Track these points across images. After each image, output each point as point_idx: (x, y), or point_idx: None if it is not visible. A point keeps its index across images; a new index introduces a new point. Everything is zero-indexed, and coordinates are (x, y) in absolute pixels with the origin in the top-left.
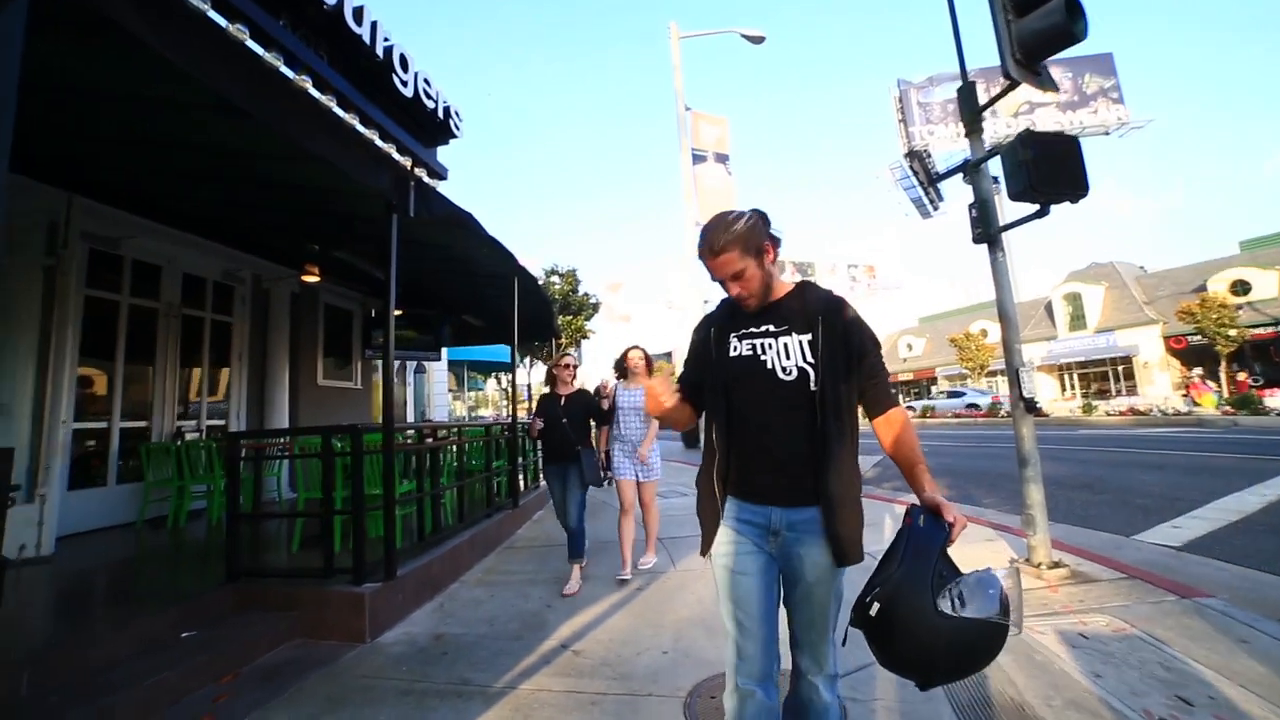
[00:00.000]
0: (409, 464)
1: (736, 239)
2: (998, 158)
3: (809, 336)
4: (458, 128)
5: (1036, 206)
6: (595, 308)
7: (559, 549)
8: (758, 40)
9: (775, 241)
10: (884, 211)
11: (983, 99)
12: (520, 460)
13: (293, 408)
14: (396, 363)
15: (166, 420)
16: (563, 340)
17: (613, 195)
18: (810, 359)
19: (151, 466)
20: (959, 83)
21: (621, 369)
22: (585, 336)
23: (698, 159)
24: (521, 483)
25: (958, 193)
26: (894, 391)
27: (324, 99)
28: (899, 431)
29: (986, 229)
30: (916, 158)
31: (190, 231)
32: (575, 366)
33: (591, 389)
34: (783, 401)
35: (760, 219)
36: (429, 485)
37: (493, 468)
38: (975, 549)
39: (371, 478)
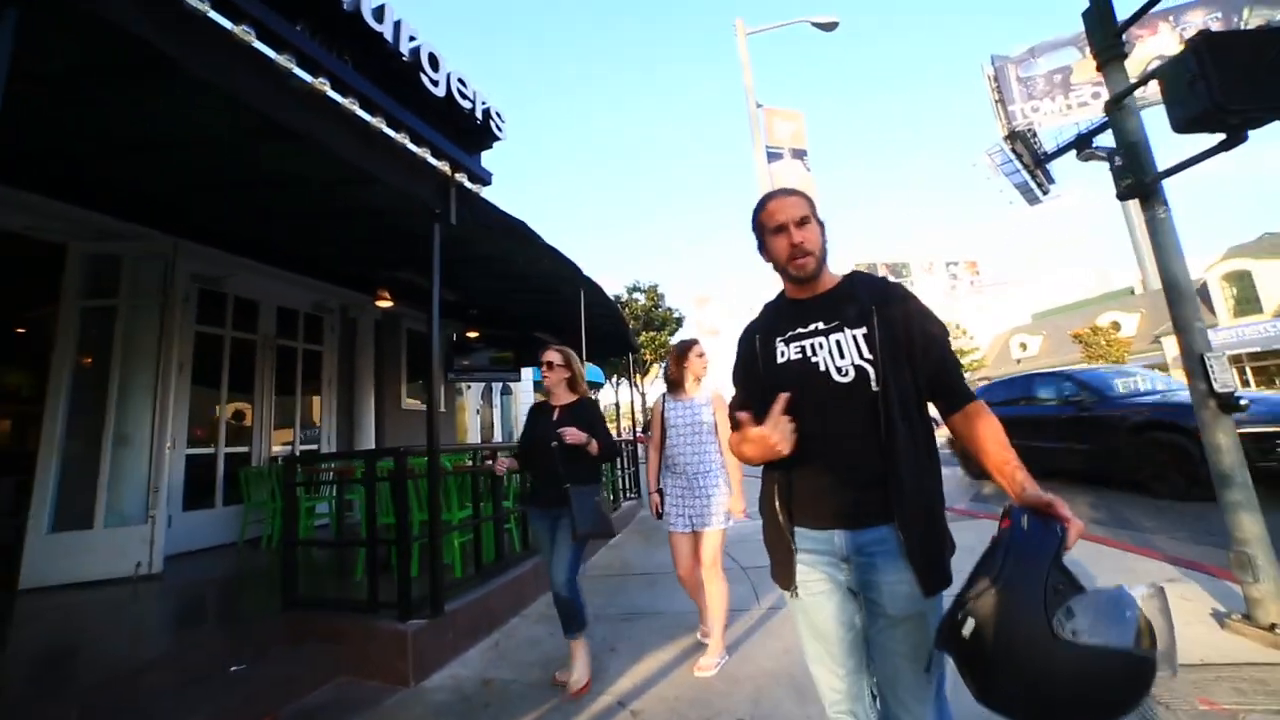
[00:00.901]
0: (467, 488)
1: (805, 195)
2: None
3: (863, 330)
4: (499, 129)
5: (1219, 137)
6: (679, 322)
7: (635, 578)
8: (829, 27)
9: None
10: (984, 203)
11: (1089, 73)
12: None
13: (379, 431)
14: (481, 384)
15: (264, 445)
16: (646, 356)
17: (699, 207)
18: (868, 354)
19: (250, 489)
20: (1064, 50)
21: (673, 377)
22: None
23: (773, 156)
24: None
25: (1069, 172)
26: (961, 374)
27: (345, 101)
28: (981, 425)
29: (1140, 177)
30: (1019, 139)
31: (283, 267)
32: (562, 365)
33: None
34: (840, 406)
35: None
36: (489, 510)
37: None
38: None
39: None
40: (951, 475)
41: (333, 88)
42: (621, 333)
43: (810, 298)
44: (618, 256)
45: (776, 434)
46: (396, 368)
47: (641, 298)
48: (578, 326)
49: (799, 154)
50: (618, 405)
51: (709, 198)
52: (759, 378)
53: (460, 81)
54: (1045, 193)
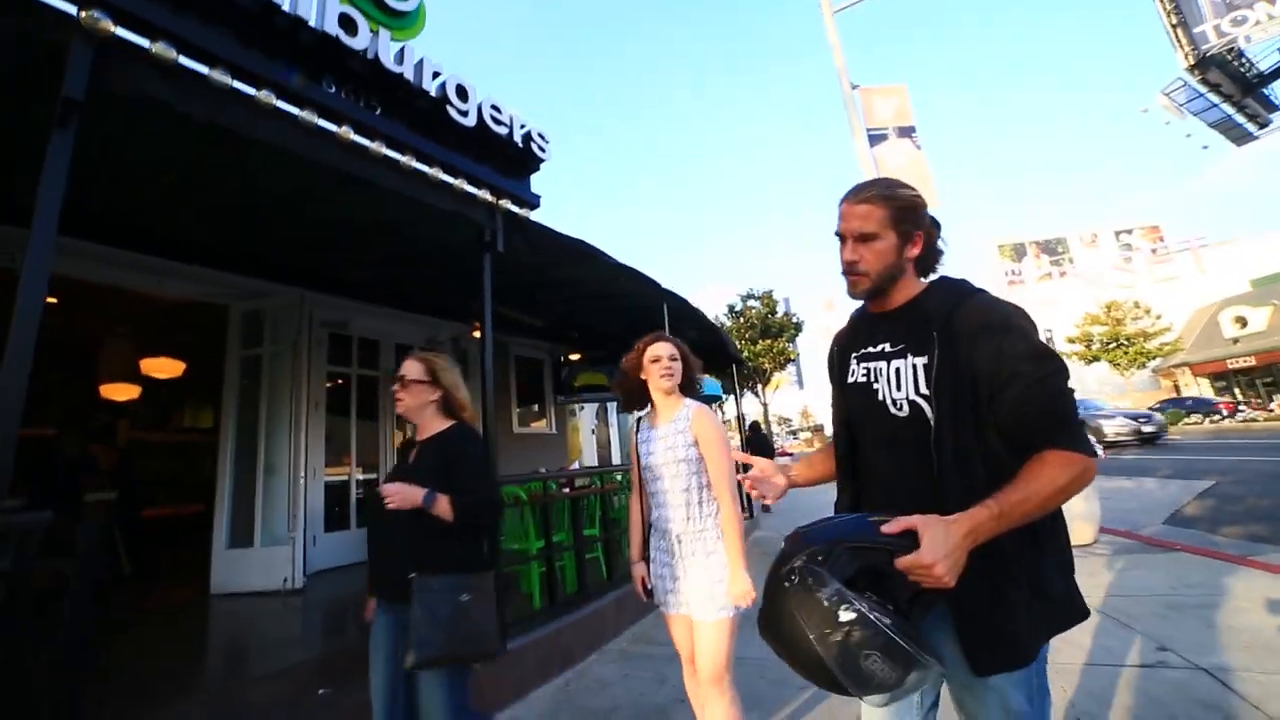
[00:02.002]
0: (562, 515)
1: (889, 198)
2: None
3: (925, 358)
4: (543, 150)
5: None
6: (799, 328)
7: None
8: None
9: (933, 241)
10: (1162, 156)
11: None
12: None
13: (493, 456)
14: (595, 404)
15: (389, 471)
16: (765, 365)
17: (816, 206)
18: (924, 389)
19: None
20: None
21: (625, 386)
22: (790, 359)
23: (876, 139)
24: None
25: None
26: (1079, 427)
27: (373, 145)
28: (1045, 463)
29: None
30: (1213, 64)
31: (395, 307)
32: (422, 379)
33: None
34: (896, 444)
35: (925, 204)
36: (568, 539)
37: None
38: None
39: (517, 532)
40: (1139, 491)
41: (357, 133)
42: (720, 344)
43: (883, 313)
44: (739, 265)
45: (772, 478)
46: (506, 393)
47: (757, 305)
48: (688, 345)
49: (906, 131)
50: (740, 418)
51: (824, 195)
52: (835, 396)
53: (494, 108)
54: (1264, 124)
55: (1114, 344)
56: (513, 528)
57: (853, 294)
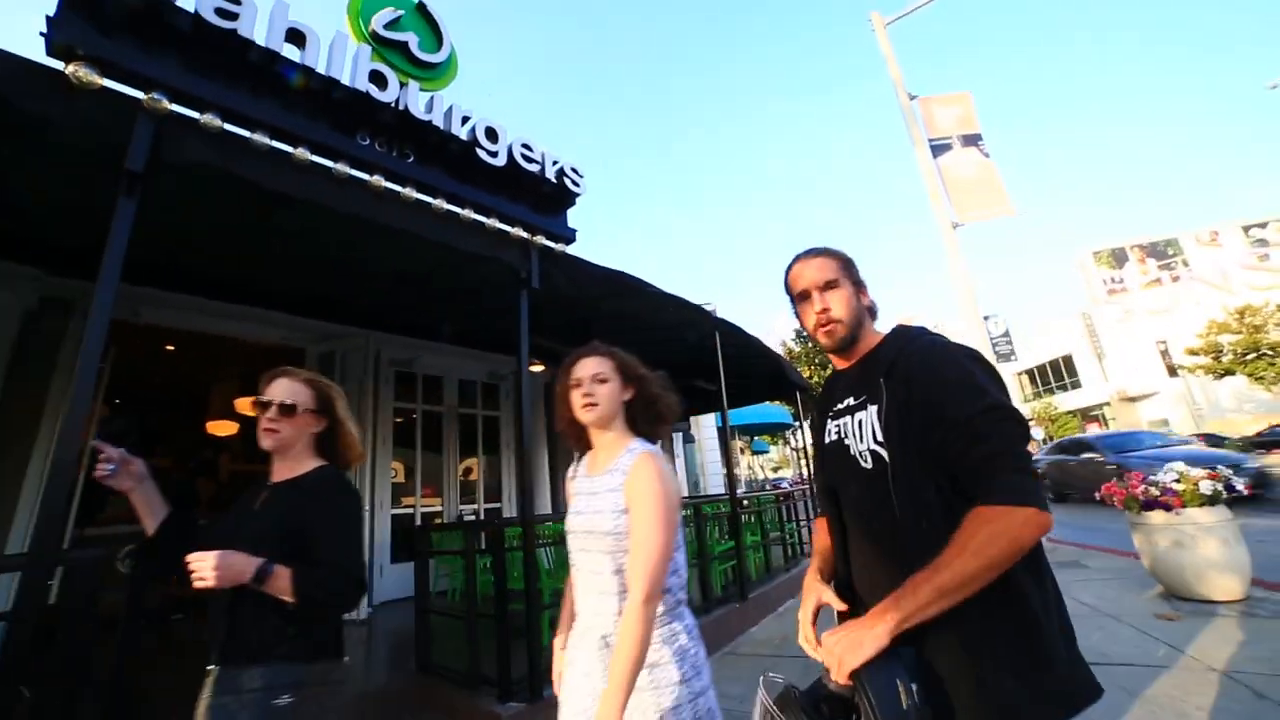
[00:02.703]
0: None
1: (834, 252)
2: None
3: (877, 406)
4: (577, 184)
5: None
6: None
7: (789, 660)
8: None
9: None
10: None
11: None
12: (759, 538)
13: (554, 488)
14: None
15: (452, 504)
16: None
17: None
18: (881, 437)
19: (440, 545)
20: None
21: (564, 422)
22: None
23: (939, 149)
24: (768, 563)
25: None
26: (1023, 470)
27: (405, 191)
28: (968, 526)
29: None
30: None
31: (456, 344)
32: (294, 409)
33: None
34: (868, 499)
35: None
36: None
37: (707, 553)
38: None
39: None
40: None
41: (389, 180)
42: (779, 371)
43: (849, 367)
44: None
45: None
46: None
47: None
48: (731, 372)
49: (971, 140)
50: (806, 449)
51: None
52: (815, 458)
53: (525, 147)
54: None
55: (1253, 354)
56: (545, 568)
57: (830, 345)
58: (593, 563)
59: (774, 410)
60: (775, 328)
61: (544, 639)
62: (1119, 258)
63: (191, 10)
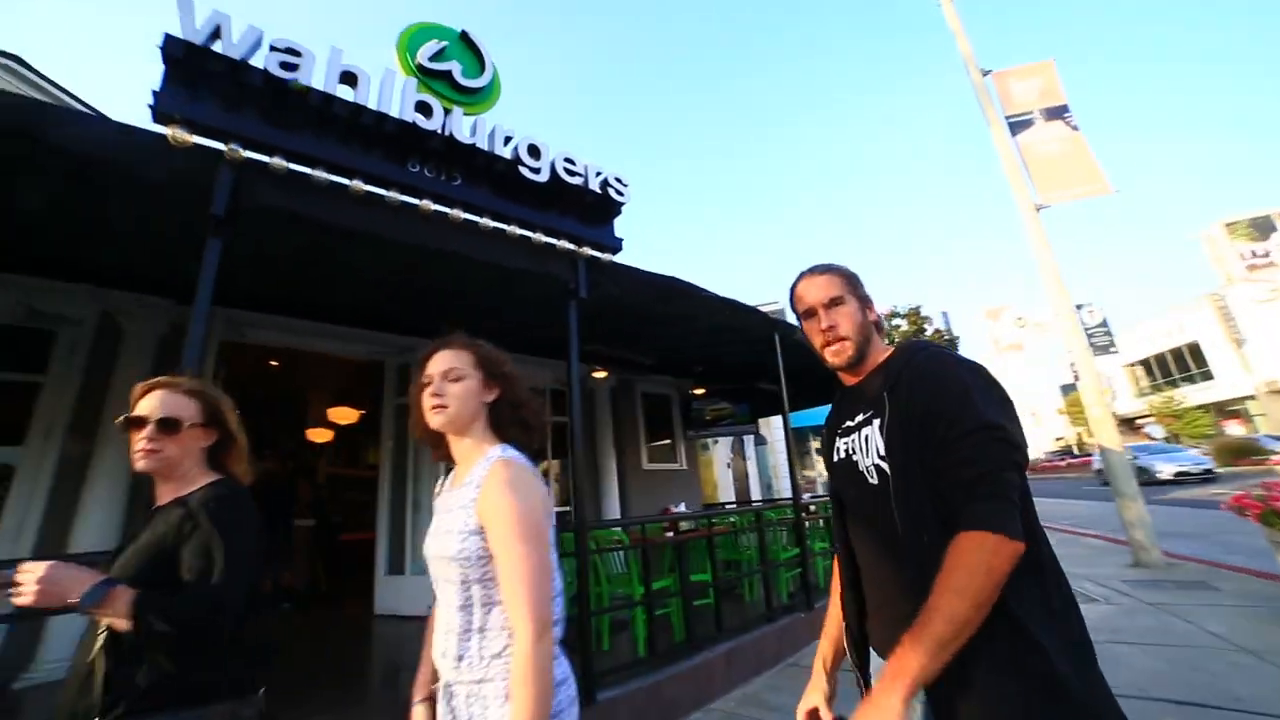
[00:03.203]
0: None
1: (838, 270)
2: None
3: (880, 421)
4: (620, 194)
5: None
6: (952, 345)
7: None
8: None
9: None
10: None
11: None
12: (827, 544)
13: (622, 493)
14: (729, 438)
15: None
16: None
17: (965, 214)
18: (884, 452)
19: None
20: None
21: (421, 426)
22: None
23: (1018, 126)
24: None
25: None
26: (997, 497)
27: (453, 212)
28: (946, 564)
29: None
30: None
31: (524, 351)
32: (201, 425)
33: None
34: (874, 514)
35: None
36: (674, 584)
37: (769, 560)
38: None
39: (626, 577)
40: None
41: (438, 203)
42: None
43: (856, 384)
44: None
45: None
46: (634, 430)
47: (903, 323)
48: (796, 372)
49: (1056, 112)
50: None
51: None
52: (828, 477)
53: (568, 161)
54: None
55: None
56: (617, 573)
57: (838, 363)
58: (442, 595)
59: None
60: None
61: (604, 644)
62: (1262, 227)
63: (261, 67)
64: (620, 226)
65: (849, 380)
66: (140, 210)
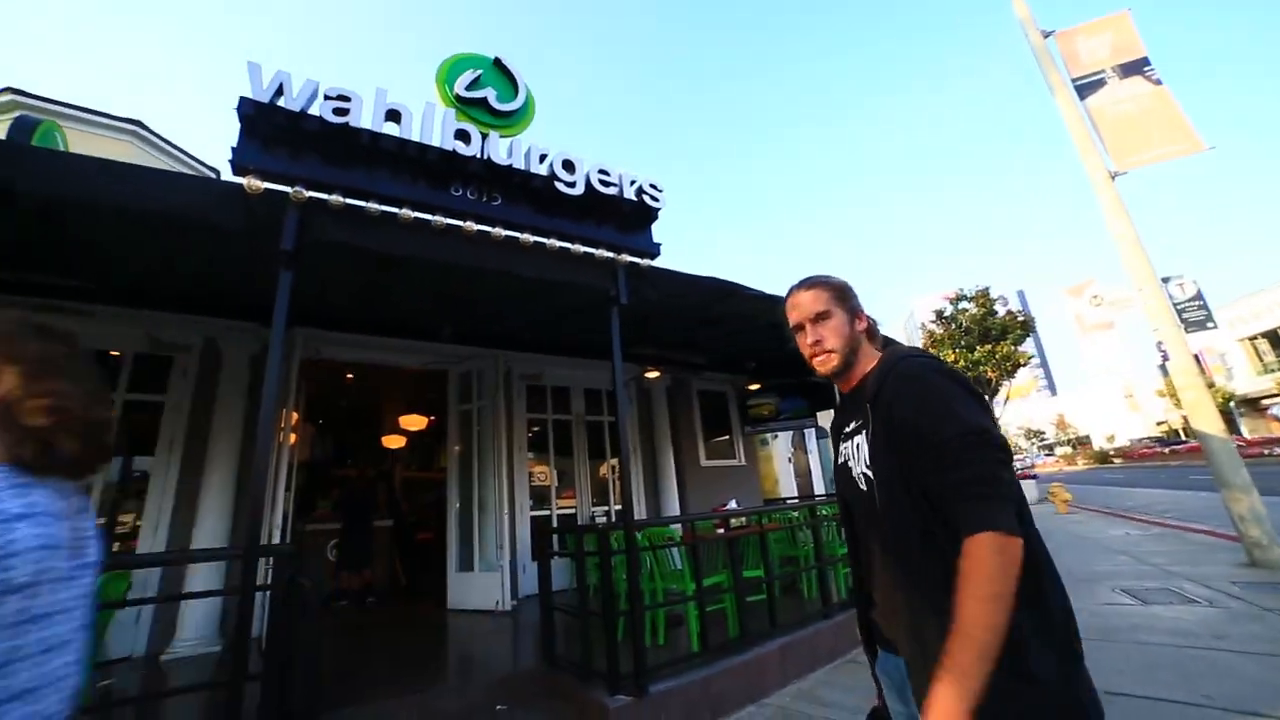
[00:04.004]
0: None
1: (826, 283)
2: None
3: (867, 430)
4: (656, 200)
5: None
6: (1025, 326)
7: None
8: None
9: (870, 319)
10: None
11: None
12: None
13: (681, 490)
14: (789, 433)
15: (585, 506)
16: (989, 374)
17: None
18: (869, 461)
19: (573, 546)
20: None
21: None
22: (1021, 364)
23: (1089, 87)
24: None
25: None
26: (989, 498)
27: (494, 230)
28: (962, 574)
29: None
30: None
31: (579, 356)
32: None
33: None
34: (868, 517)
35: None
36: (728, 580)
37: (825, 556)
38: None
39: (679, 575)
40: None
41: (480, 223)
42: None
43: (850, 391)
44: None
45: None
46: (691, 427)
47: (971, 307)
48: None
49: (1133, 67)
50: None
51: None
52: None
53: (602, 172)
54: None
55: None
56: (672, 569)
57: (824, 372)
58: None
59: None
60: (915, 310)
61: (660, 638)
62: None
63: (317, 114)
64: (667, 230)
65: (843, 388)
66: (228, 249)
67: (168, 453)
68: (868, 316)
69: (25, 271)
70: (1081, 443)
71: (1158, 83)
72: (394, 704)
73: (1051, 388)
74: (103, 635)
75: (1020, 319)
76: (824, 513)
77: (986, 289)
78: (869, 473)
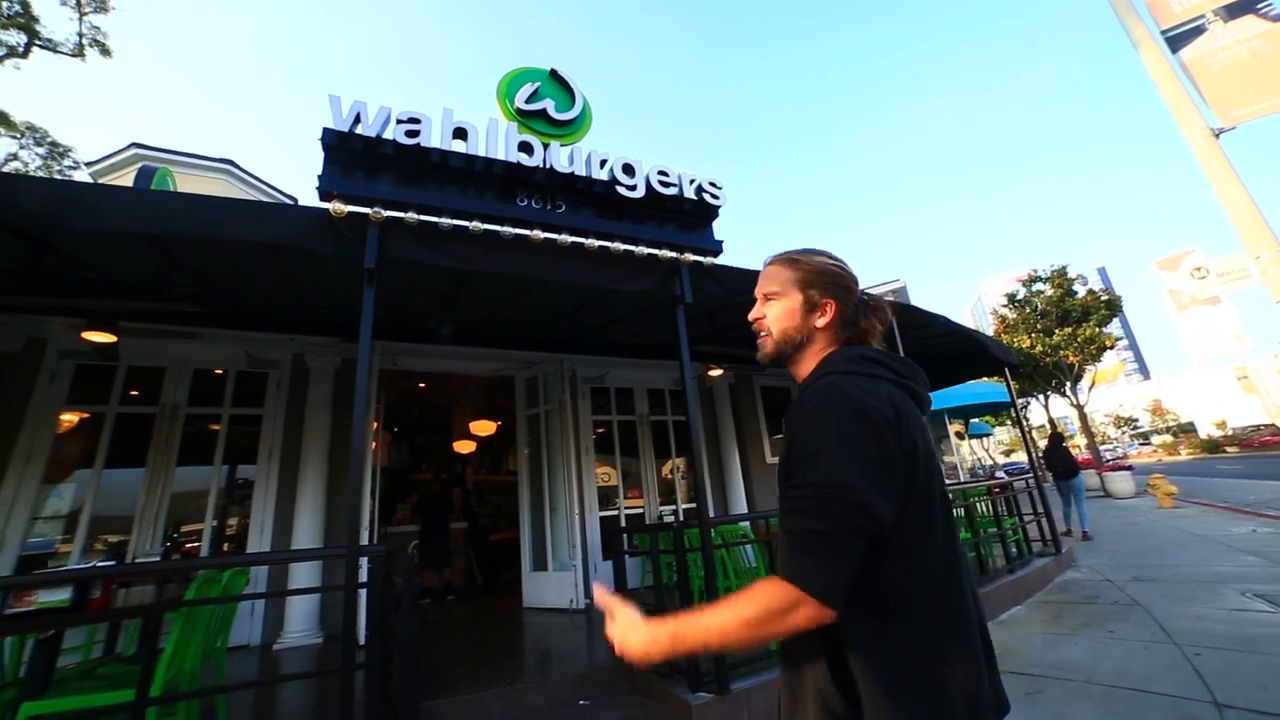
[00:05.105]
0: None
1: (796, 260)
2: None
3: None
4: (716, 198)
5: None
6: (1111, 305)
7: (1008, 677)
8: None
9: (848, 314)
10: None
11: None
12: (969, 535)
13: (747, 487)
14: None
15: (653, 505)
16: (1069, 359)
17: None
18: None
19: (642, 545)
20: None
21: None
22: (1107, 346)
23: (1183, 38)
24: (982, 564)
25: None
26: (816, 553)
27: (560, 237)
28: (748, 590)
29: None
30: None
31: (641, 357)
32: None
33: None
34: None
35: (850, 277)
36: None
37: None
38: None
39: (753, 571)
40: None
41: (546, 230)
42: (976, 349)
43: (778, 366)
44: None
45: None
46: (755, 423)
47: (1046, 288)
48: (916, 354)
49: (1243, 6)
50: (1052, 422)
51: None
52: None
53: (661, 173)
54: None
55: None
56: (746, 566)
57: (759, 356)
58: None
59: (990, 388)
60: (983, 294)
61: None
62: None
63: (391, 138)
64: (732, 225)
65: (797, 378)
66: (314, 270)
67: (268, 460)
68: (845, 312)
69: (151, 301)
70: (1184, 430)
71: (1276, 19)
72: (484, 696)
73: (1143, 370)
74: (228, 625)
75: (1104, 298)
76: None
77: (1064, 268)
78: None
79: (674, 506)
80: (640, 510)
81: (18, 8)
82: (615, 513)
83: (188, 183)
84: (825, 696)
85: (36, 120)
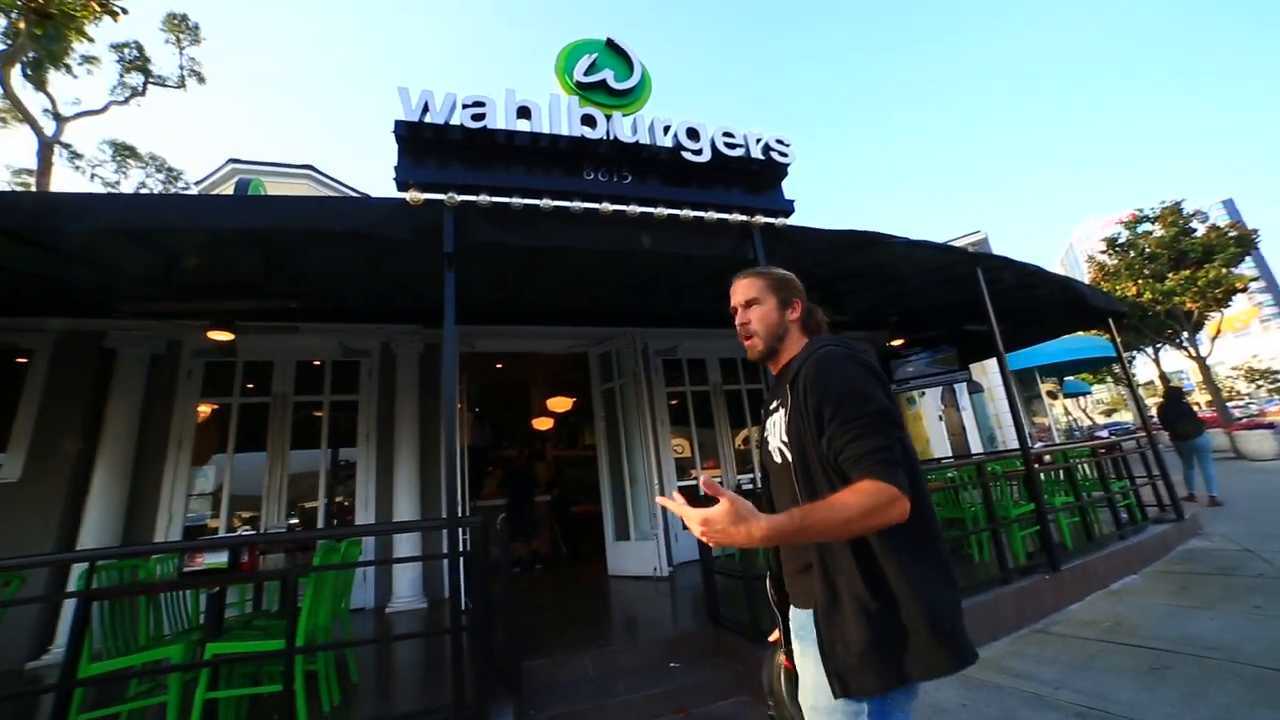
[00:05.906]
0: None
1: (765, 273)
2: None
3: (785, 409)
4: (784, 155)
5: None
6: (1243, 242)
7: (1118, 649)
8: None
9: (811, 310)
10: None
11: None
12: (1072, 499)
13: None
14: (939, 389)
15: (730, 474)
16: (1187, 305)
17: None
18: (785, 436)
19: None
20: None
21: None
22: (1237, 289)
23: None
24: (1088, 530)
25: None
26: (892, 463)
27: (630, 209)
28: (848, 489)
29: None
30: None
31: (714, 327)
32: None
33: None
34: (781, 488)
35: (800, 284)
36: None
37: (997, 517)
38: None
39: None
40: None
41: (614, 203)
42: (1078, 299)
43: (779, 372)
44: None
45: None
46: None
47: (1155, 228)
48: (1009, 309)
49: None
50: (1164, 377)
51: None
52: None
53: (727, 134)
54: None
55: None
56: None
57: (750, 355)
58: None
59: (1086, 343)
60: (1074, 241)
61: None
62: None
63: (458, 123)
64: (804, 183)
65: (773, 369)
66: (396, 259)
67: (366, 442)
68: (807, 308)
69: (260, 300)
70: None
71: None
72: (577, 656)
73: None
74: (348, 590)
75: (1233, 234)
76: (994, 470)
77: (1178, 203)
78: (784, 445)
79: (751, 475)
80: (718, 480)
81: (135, 53)
82: (693, 483)
83: (275, 188)
84: (859, 598)
85: (155, 150)
